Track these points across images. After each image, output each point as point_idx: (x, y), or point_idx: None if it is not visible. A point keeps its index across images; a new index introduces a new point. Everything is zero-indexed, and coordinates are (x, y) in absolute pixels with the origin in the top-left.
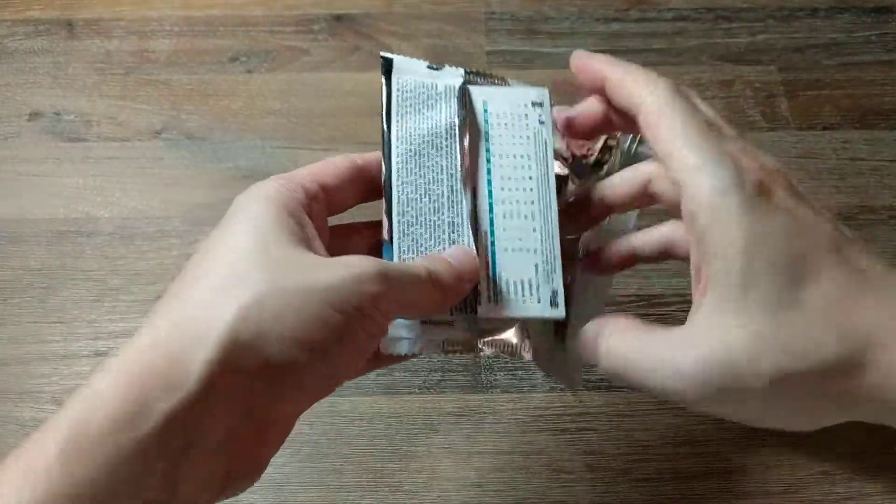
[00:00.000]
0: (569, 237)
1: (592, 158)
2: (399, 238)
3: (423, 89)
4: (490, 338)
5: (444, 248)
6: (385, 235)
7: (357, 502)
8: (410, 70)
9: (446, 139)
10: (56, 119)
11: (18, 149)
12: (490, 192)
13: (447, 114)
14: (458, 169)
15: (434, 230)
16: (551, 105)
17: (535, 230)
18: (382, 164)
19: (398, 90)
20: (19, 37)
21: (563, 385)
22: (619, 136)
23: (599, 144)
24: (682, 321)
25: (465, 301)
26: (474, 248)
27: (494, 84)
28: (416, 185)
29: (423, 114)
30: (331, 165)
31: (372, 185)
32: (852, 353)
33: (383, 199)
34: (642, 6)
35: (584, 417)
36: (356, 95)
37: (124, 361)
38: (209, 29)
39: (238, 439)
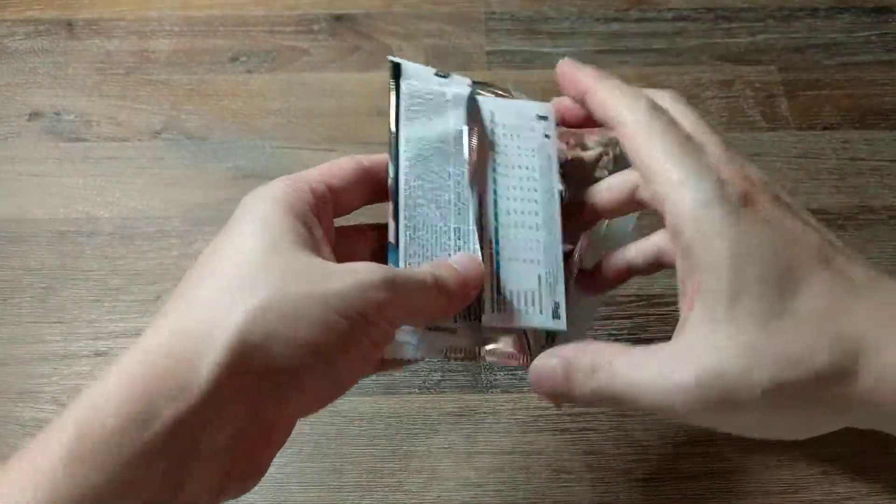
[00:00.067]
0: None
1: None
2: (405, 242)
3: (431, 96)
4: (492, 346)
5: (449, 255)
6: (391, 239)
7: (357, 502)
8: (419, 76)
9: (454, 146)
10: (56, 119)
11: (18, 149)
12: (496, 201)
13: (455, 122)
14: (466, 176)
15: (440, 236)
16: (557, 124)
17: (538, 241)
18: (389, 166)
19: (407, 94)
20: (19, 37)
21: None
22: (610, 140)
23: (593, 153)
24: None
25: (469, 309)
26: (480, 255)
27: (499, 96)
28: (423, 190)
29: (432, 120)
30: (338, 167)
31: (378, 188)
32: (844, 360)
33: (390, 202)
34: (642, 6)
35: (584, 417)
36: (356, 95)
37: (131, 363)
38: (209, 29)
39: (242, 442)
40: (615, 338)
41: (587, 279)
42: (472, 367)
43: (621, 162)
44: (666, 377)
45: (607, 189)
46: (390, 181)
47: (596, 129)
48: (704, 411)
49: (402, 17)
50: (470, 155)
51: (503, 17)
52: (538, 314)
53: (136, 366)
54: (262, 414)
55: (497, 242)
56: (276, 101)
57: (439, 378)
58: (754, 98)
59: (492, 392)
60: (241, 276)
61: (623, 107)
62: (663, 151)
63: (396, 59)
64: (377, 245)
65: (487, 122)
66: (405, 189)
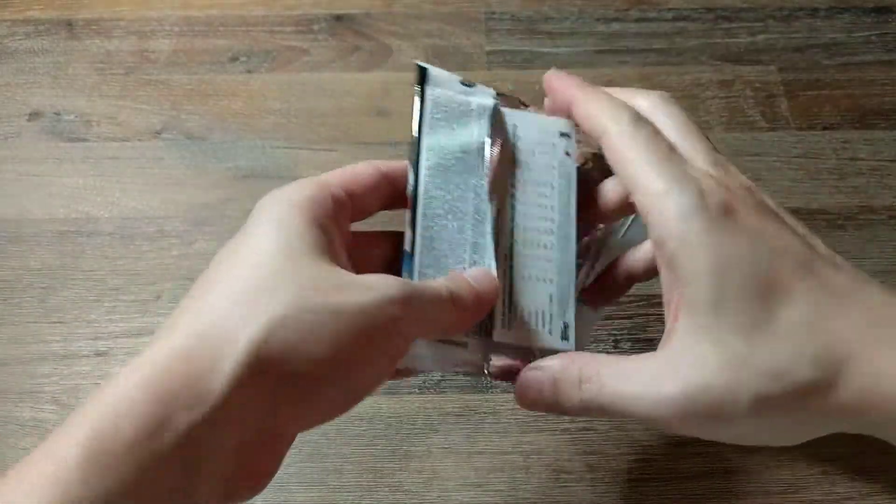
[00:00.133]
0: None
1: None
2: (421, 252)
3: (455, 105)
4: (499, 362)
5: (464, 268)
6: (407, 247)
7: (357, 502)
8: (444, 83)
9: (476, 158)
10: (56, 119)
11: (18, 149)
12: (513, 217)
13: (479, 133)
14: (486, 189)
15: (456, 248)
16: (578, 141)
17: (552, 261)
18: (409, 173)
19: (432, 102)
20: (19, 37)
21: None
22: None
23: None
24: None
25: (481, 324)
26: (495, 270)
27: (519, 108)
28: (442, 201)
29: (455, 129)
30: (358, 173)
31: (395, 194)
32: (827, 371)
33: (407, 210)
34: (642, 6)
35: (585, 417)
36: (356, 95)
37: (147, 367)
38: (209, 29)
39: (250, 451)
40: (615, 338)
41: (589, 293)
42: None
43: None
44: (653, 390)
45: (609, 190)
46: (409, 189)
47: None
48: (691, 422)
49: (402, 17)
50: (491, 168)
51: (503, 17)
52: (547, 334)
53: (153, 371)
54: (273, 424)
55: (511, 259)
56: (276, 101)
57: (439, 378)
58: (754, 98)
59: (492, 392)
60: (259, 281)
61: (606, 117)
62: (646, 162)
63: (423, 64)
64: (391, 252)
65: (510, 136)
66: (424, 198)
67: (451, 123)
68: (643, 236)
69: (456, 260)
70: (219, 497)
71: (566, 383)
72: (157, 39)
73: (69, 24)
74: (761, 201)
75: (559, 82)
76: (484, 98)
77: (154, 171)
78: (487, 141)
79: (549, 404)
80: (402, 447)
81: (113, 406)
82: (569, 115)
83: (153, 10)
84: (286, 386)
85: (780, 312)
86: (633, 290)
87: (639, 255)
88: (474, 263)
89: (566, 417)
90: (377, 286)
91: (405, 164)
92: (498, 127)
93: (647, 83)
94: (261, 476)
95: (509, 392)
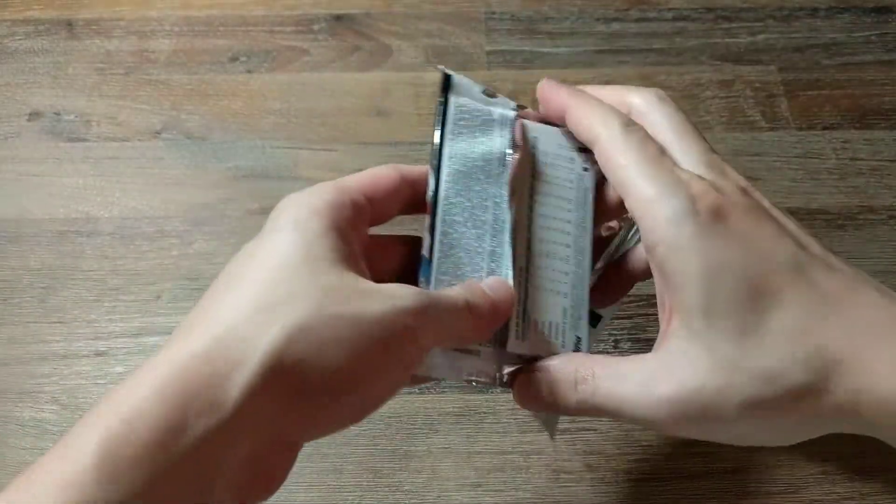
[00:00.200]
0: None
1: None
2: (439, 259)
3: (478, 113)
4: (511, 371)
5: (481, 276)
6: (425, 252)
7: (357, 502)
8: (467, 91)
9: (497, 167)
10: (56, 119)
11: (18, 149)
12: (530, 228)
13: (501, 143)
14: (506, 199)
15: (474, 256)
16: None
17: (567, 274)
18: (430, 179)
19: (455, 108)
20: (19, 37)
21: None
22: None
23: None
24: None
25: (495, 334)
26: (512, 281)
27: (542, 122)
28: (461, 208)
29: (477, 138)
30: (380, 178)
31: (415, 199)
32: (819, 375)
33: (427, 216)
34: (642, 6)
35: (585, 417)
36: (356, 95)
37: (165, 371)
38: (209, 29)
39: (262, 458)
40: (615, 338)
41: (593, 295)
42: None
43: None
44: (647, 392)
45: (609, 192)
46: (429, 194)
47: None
48: (684, 424)
49: (402, 17)
50: (512, 179)
51: (503, 17)
52: (560, 347)
53: (170, 372)
54: (285, 432)
55: (527, 270)
56: (276, 101)
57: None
58: (754, 98)
59: (492, 392)
60: (278, 287)
61: (598, 123)
62: (636, 168)
63: (448, 71)
64: (406, 257)
65: (531, 148)
66: (444, 204)
67: (474, 131)
68: None
69: (473, 268)
70: (233, 502)
71: (562, 384)
72: (157, 39)
73: (69, 24)
74: (755, 202)
75: (552, 92)
76: (505, 108)
77: (154, 171)
78: (509, 152)
79: (546, 404)
80: (402, 447)
81: (128, 408)
82: (565, 123)
83: (153, 10)
84: (301, 394)
85: (771, 317)
86: (633, 290)
87: (638, 254)
88: (491, 272)
89: (566, 417)
90: (395, 296)
91: (426, 169)
92: (521, 138)
93: (646, 83)
94: (271, 483)
95: (509, 392)
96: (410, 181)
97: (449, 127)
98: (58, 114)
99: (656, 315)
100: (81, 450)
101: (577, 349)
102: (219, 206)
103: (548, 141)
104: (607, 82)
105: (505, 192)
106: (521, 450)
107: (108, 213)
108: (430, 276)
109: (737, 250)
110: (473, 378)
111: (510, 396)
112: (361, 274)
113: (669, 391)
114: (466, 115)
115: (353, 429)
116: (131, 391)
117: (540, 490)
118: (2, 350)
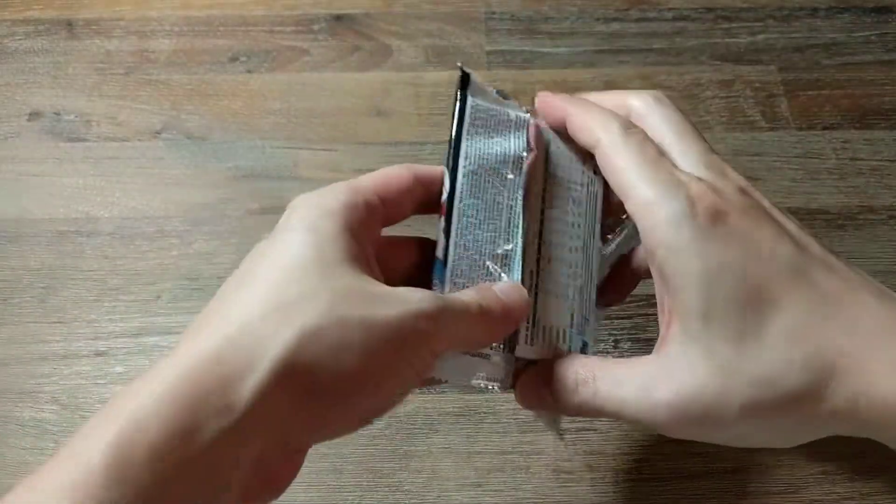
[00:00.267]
0: None
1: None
2: (454, 261)
3: (494, 113)
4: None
5: (494, 281)
6: (439, 255)
7: (357, 502)
8: (483, 92)
9: (512, 170)
10: (56, 119)
11: (18, 149)
12: (541, 232)
13: (517, 145)
14: (520, 202)
15: (487, 259)
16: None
17: (575, 279)
18: (445, 180)
19: (472, 109)
20: (19, 37)
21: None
22: None
23: None
24: None
25: (505, 339)
26: (524, 286)
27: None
28: (476, 210)
29: (493, 139)
30: (393, 178)
31: (428, 199)
32: (818, 378)
33: (441, 217)
34: (642, 6)
35: (585, 418)
36: (356, 95)
37: (174, 370)
38: (209, 29)
39: (271, 460)
40: (615, 338)
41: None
42: None
43: None
44: (646, 395)
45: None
46: (444, 195)
47: None
48: (683, 427)
49: (402, 17)
50: (527, 182)
51: (503, 17)
52: (566, 352)
53: (182, 373)
54: (295, 434)
55: (537, 274)
56: (276, 101)
57: None
58: (754, 98)
59: (492, 392)
60: (291, 288)
61: (598, 128)
62: (635, 171)
63: (467, 70)
64: (419, 258)
65: (544, 150)
66: (459, 206)
67: (490, 132)
68: None
69: (486, 271)
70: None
71: (563, 385)
72: (157, 39)
73: (69, 24)
74: (755, 203)
75: (550, 101)
76: (519, 111)
77: (154, 171)
78: (525, 154)
79: (547, 405)
80: (402, 447)
81: (139, 408)
82: (565, 129)
83: (153, 10)
84: (312, 397)
85: (769, 320)
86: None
87: (640, 254)
88: (503, 276)
89: (566, 417)
90: (409, 300)
91: (439, 169)
92: (538, 142)
93: (646, 83)
94: (279, 484)
95: (509, 392)
96: (423, 181)
97: (465, 127)
98: (58, 114)
99: (656, 315)
100: (91, 450)
101: (583, 354)
102: (219, 206)
103: (560, 145)
104: (607, 82)
105: (519, 195)
106: (521, 450)
107: (108, 213)
108: (444, 279)
109: (736, 252)
110: (482, 382)
111: (511, 396)
112: (373, 276)
113: (669, 395)
114: (483, 116)
115: None
116: (142, 391)
117: (540, 490)
118: (2, 350)
